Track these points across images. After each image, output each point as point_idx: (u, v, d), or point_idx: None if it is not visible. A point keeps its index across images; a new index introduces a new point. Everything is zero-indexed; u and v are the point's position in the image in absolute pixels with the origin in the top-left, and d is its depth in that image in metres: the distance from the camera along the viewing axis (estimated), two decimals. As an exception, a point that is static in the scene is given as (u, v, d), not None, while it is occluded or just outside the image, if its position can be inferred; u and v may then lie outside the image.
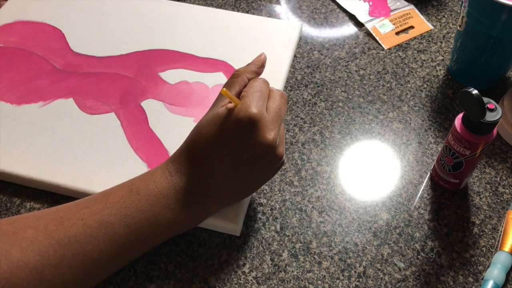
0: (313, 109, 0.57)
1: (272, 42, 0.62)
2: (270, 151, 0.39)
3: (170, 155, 0.50)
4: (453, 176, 0.48)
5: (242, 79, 0.42)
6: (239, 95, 0.41)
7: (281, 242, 0.46)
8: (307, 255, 0.45)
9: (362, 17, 0.67)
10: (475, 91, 0.40)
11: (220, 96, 0.41)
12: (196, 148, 0.40)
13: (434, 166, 0.50)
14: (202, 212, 0.41)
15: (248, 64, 0.44)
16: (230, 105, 0.39)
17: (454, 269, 0.45)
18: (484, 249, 0.46)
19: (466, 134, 0.43)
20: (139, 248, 0.40)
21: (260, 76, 0.44)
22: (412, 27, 0.66)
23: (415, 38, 0.65)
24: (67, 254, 0.36)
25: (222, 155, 0.39)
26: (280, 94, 0.42)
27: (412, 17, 0.67)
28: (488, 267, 0.44)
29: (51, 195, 0.49)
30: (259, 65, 0.44)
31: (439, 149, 0.53)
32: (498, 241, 0.46)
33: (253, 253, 0.46)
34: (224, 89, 0.38)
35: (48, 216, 0.38)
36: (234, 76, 0.42)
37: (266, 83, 0.42)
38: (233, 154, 0.39)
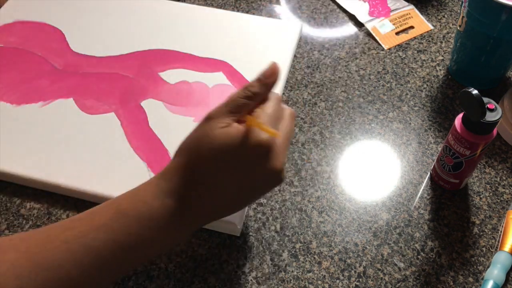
0: (313, 109, 0.57)
1: (272, 42, 0.62)
2: (276, 178, 0.38)
3: (170, 155, 0.50)
4: (453, 176, 0.48)
5: (251, 104, 0.37)
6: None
7: (281, 242, 0.46)
8: (307, 255, 0.45)
9: (362, 17, 0.67)
10: (475, 91, 0.40)
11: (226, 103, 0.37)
12: (196, 170, 0.36)
13: (434, 166, 0.50)
14: (195, 229, 0.39)
15: (260, 84, 0.38)
16: (239, 127, 0.36)
17: (454, 269, 0.45)
18: (484, 249, 0.46)
19: (466, 134, 0.43)
20: (129, 268, 0.38)
21: (268, 85, 0.38)
22: (412, 27, 0.66)
23: (415, 38, 0.65)
24: (51, 277, 0.33)
25: (225, 181, 0.37)
26: (290, 114, 0.39)
27: (412, 17, 0.67)
28: (488, 267, 0.44)
29: (51, 195, 0.49)
30: (267, 76, 0.38)
31: (439, 149, 0.53)
32: (498, 241, 0.46)
33: (253, 253, 0.46)
34: (259, 123, 0.35)
35: (31, 238, 0.35)
36: (244, 96, 0.37)
37: (279, 103, 0.38)
38: (237, 180, 0.37)
